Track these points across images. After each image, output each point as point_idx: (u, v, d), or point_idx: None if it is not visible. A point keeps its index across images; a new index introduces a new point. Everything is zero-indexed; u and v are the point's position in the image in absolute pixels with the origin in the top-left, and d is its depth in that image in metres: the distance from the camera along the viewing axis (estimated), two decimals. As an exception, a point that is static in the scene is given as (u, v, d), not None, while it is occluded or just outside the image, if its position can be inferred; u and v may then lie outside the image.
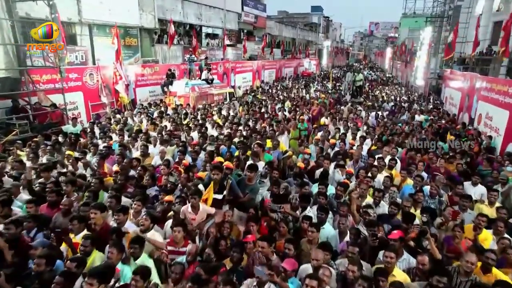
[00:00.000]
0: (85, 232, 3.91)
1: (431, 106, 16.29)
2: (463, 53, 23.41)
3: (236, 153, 7.41)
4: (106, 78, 13.21)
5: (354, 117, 11.98)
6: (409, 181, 6.38)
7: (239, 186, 4.83)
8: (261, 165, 5.94)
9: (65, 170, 6.13)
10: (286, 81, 29.05)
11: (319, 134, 9.57)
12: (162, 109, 12.77)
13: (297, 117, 11.79)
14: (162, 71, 15.96)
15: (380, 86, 25.36)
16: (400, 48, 36.64)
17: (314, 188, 5.82)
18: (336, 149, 8.27)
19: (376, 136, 9.44)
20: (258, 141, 6.45)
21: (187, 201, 4.68)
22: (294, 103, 15.09)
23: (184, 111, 12.36)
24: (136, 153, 7.58)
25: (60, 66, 9.57)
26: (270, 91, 22.13)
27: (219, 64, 21.17)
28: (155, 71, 15.99)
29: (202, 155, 7.31)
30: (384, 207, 5.07)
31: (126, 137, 8.54)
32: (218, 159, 5.26)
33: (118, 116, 11.68)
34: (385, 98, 17.98)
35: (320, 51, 49.46)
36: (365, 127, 10.24)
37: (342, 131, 9.72)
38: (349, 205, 4.69)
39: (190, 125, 10.39)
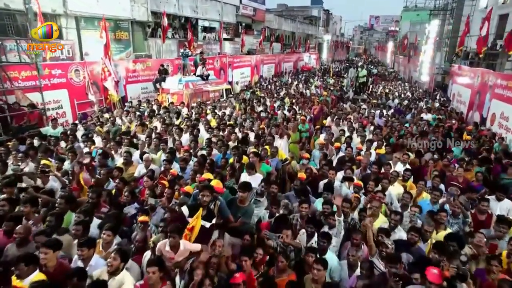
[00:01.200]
0: (36, 274, 3.13)
1: (437, 104, 15.50)
2: (466, 48, 22.65)
3: (231, 160, 6.64)
4: (94, 74, 12.37)
5: (359, 117, 11.20)
6: (425, 195, 5.63)
7: (230, 208, 4.06)
8: (257, 178, 5.16)
9: (33, 183, 5.34)
10: (285, 77, 28.17)
11: (322, 136, 8.81)
12: (154, 107, 11.97)
13: (298, 116, 11.03)
14: (155, 67, 15.12)
15: (383, 82, 24.45)
16: (402, 42, 35.66)
17: (318, 204, 5.07)
18: (341, 154, 7.52)
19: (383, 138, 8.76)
20: (253, 150, 5.67)
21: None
22: (294, 100, 14.27)
23: (177, 110, 11.57)
24: (120, 160, 6.82)
25: (37, 62, 8.71)
26: (269, 87, 21.27)
27: (216, 59, 20.30)
28: (147, 67, 15.12)
29: (192, 162, 6.55)
30: (400, 232, 4.31)
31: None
32: (206, 175, 4.45)
33: (106, 115, 10.89)
34: (389, 95, 17.13)
35: (320, 45, 48.47)
36: (371, 128, 9.45)
37: (346, 133, 8.96)
38: (362, 231, 3.93)
39: (182, 126, 9.63)
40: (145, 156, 6.40)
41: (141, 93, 14.71)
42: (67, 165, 6.32)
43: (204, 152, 7.07)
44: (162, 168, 6.20)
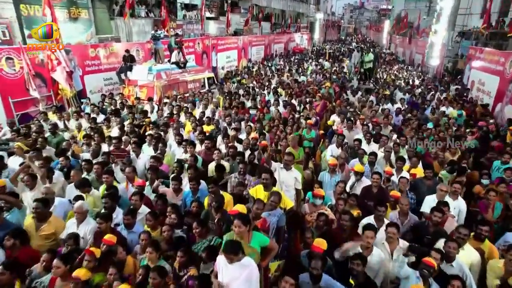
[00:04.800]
0: None
1: (452, 93, 13.37)
2: (465, 26, 20.54)
3: (206, 202, 4.39)
4: (37, 63, 9.75)
5: (371, 115, 8.96)
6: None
7: None
8: (244, 266, 2.88)
9: None
10: (276, 59, 25.57)
11: (330, 149, 6.55)
12: (118, 104, 9.50)
13: (296, 115, 8.76)
14: (123, 52, 12.45)
15: (382, 66, 22.00)
16: (401, 20, 33.06)
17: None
18: (366, 181, 5.29)
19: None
20: (238, 210, 3.29)
21: None
22: (289, 91, 11.90)
23: (141, 108, 9.19)
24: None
25: None
26: (258, 71, 18.70)
27: (197, 41, 17.63)
28: (112, 52, 12.46)
29: (146, 210, 4.26)
30: None
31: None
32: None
33: (54, 118, 8.41)
34: (397, 83, 14.87)
35: (312, 24, 45.51)
36: (394, 136, 7.21)
37: (363, 142, 6.71)
38: None
39: (148, 133, 7.28)
40: (76, 205, 4.01)
41: (104, 85, 12.12)
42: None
43: (164, 188, 4.78)
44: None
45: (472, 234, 3.78)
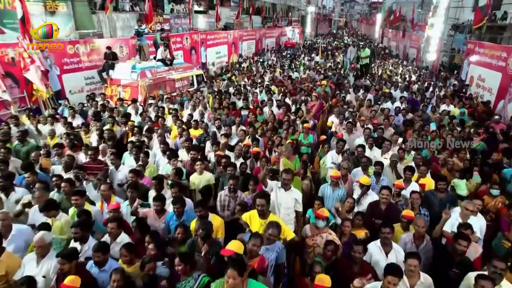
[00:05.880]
0: None
1: (450, 89, 12.93)
2: (456, 19, 20.17)
3: (192, 227, 3.77)
4: (6, 62, 8.93)
5: (371, 115, 8.38)
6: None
7: None
8: None
9: None
10: (267, 54, 24.85)
11: (331, 155, 5.96)
12: (99, 106, 8.75)
13: (292, 116, 8.12)
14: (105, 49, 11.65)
15: (378, 61, 21.50)
16: (394, 13, 32.51)
17: None
18: (371, 195, 4.72)
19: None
20: (235, 257, 2.58)
21: None
22: (283, 89, 11.26)
23: (124, 110, 8.47)
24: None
25: None
26: (250, 67, 17.99)
27: (185, 36, 16.82)
28: (93, 49, 11.62)
29: (125, 238, 3.61)
30: None
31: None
32: None
33: (27, 122, 7.67)
34: (393, 79, 14.33)
35: (303, 18, 44.76)
36: (400, 140, 6.63)
37: (366, 147, 6.13)
38: None
39: (129, 140, 6.60)
40: (36, 237, 3.29)
41: (85, 84, 11.31)
42: None
43: (145, 209, 4.13)
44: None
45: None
